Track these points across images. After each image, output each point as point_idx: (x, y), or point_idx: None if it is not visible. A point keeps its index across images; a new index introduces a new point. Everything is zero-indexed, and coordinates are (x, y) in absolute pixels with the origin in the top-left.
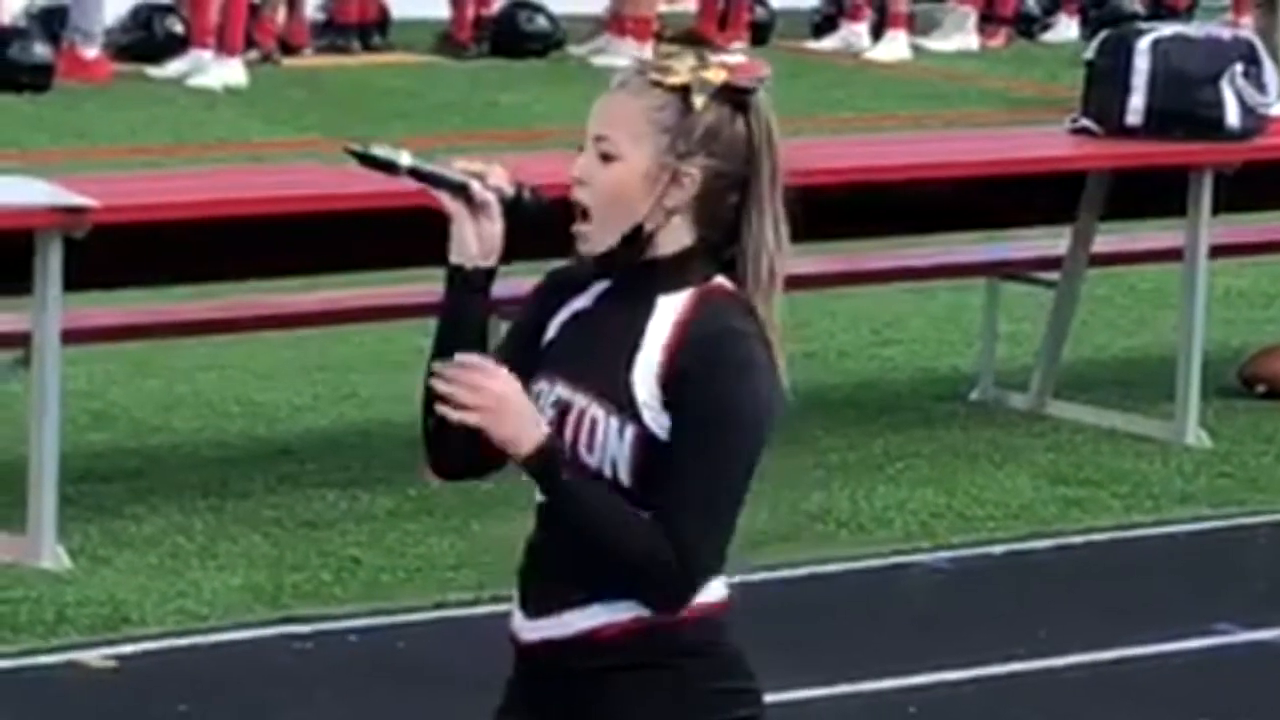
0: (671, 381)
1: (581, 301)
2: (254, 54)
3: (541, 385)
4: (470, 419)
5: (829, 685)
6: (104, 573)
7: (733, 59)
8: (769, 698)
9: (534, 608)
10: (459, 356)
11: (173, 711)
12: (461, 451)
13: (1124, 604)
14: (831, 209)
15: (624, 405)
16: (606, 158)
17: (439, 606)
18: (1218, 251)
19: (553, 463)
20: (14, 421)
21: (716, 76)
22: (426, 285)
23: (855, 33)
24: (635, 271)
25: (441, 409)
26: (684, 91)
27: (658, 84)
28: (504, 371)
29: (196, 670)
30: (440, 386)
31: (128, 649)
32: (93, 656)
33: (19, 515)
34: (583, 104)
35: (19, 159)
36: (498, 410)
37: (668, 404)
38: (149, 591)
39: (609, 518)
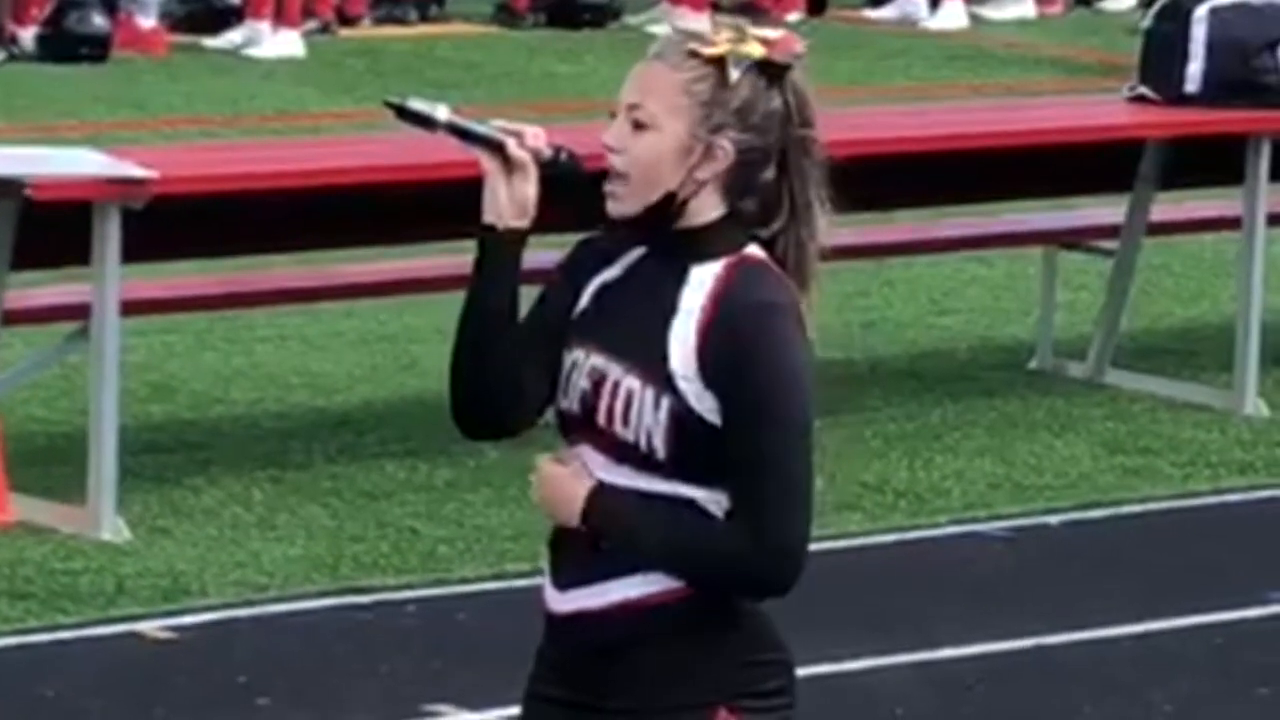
0: (709, 362)
1: (613, 271)
2: (311, 24)
3: (576, 354)
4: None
5: (886, 655)
6: (163, 544)
7: (771, 33)
8: (824, 668)
9: (565, 579)
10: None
11: (232, 682)
12: (490, 409)
13: (1181, 574)
14: (888, 178)
15: (659, 378)
16: (640, 126)
17: (498, 577)
18: (1276, 220)
19: (608, 514)
20: (74, 393)
21: (753, 50)
22: None
23: (913, 2)
24: (666, 240)
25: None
26: (720, 64)
27: (694, 55)
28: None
29: (256, 641)
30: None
31: (187, 620)
32: (152, 627)
33: (79, 487)
34: None
35: (77, 130)
36: (542, 489)
37: (710, 384)
38: (208, 562)
39: (686, 543)
